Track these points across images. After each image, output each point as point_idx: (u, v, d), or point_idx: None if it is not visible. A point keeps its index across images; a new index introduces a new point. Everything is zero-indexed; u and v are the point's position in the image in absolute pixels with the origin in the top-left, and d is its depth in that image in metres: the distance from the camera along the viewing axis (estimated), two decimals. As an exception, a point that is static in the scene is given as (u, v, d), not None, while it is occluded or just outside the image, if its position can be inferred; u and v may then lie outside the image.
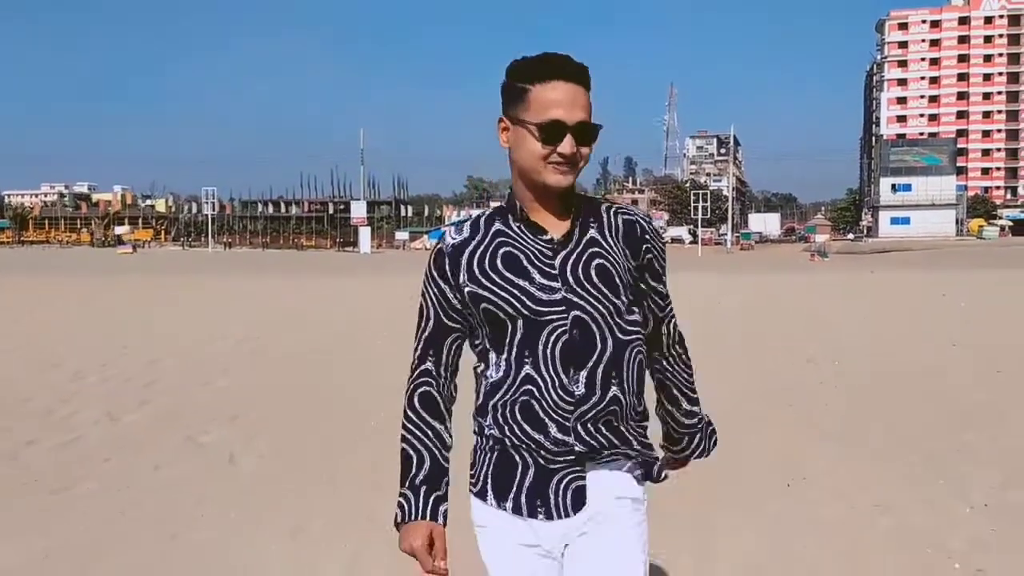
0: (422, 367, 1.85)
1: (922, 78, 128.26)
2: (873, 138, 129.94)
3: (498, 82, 1.80)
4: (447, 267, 1.80)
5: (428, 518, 1.76)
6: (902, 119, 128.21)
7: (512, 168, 1.80)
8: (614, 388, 1.77)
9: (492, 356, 1.81)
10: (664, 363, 1.98)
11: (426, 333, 1.85)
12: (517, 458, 1.77)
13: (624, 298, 1.80)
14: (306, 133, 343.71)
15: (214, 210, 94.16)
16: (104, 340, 12.24)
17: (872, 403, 7.45)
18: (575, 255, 1.78)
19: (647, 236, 1.87)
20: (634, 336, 1.82)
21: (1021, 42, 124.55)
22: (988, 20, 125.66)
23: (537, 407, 1.75)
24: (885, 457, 5.67)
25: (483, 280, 1.76)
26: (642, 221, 1.87)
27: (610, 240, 1.82)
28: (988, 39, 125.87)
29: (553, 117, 1.69)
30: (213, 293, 23.95)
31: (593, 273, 1.77)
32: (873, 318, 15.18)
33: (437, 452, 1.82)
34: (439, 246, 1.83)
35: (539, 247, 1.78)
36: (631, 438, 1.81)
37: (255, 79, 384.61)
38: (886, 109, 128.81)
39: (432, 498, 1.78)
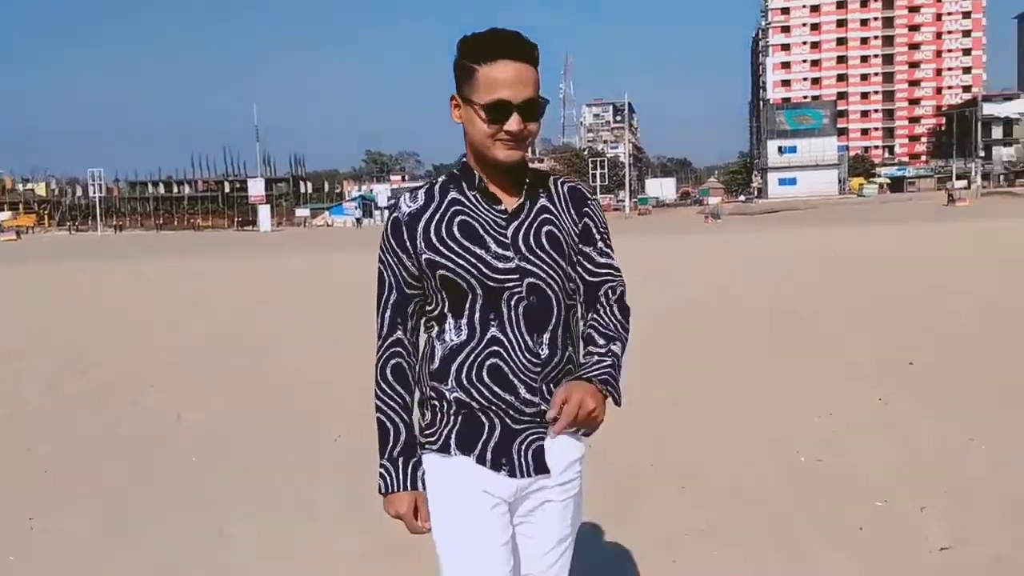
0: (393, 336, 1.88)
1: (804, 43, 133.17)
2: (760, 102, 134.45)
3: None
4: (404, 235, 1.84)
5: (411, 487, 1.85)
6: (787, 83, 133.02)
7: (465, 141, 1.86)
8: (569, 349, 1.88)
9: (451, 320, 1.84)
10: (596, 318, 1.93)
11: (390, 302, 1.88)
12: (484, 419, 1.82)
13: (569, 265, 1.88)
14: (195, 110, 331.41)
15: (101, 192, 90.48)
16: None
17: (742, 328, 8.37)
18: (527, 224, 1.84)
19: (588, 202, 1.94)
20: (576, 298, 1.92)
21: (894, 6, 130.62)
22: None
23: (506, 369, 1.80)
24: (740, 368, 6.54)
25: (440, 248, 1.81)
26: (585, 189, 1.97)
27: (559, 208, 1.89)
28: (864, 3, 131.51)
29: (499, 97, 1.75)
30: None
31: (544, 240, 1.83)
32: (751, 270, 16.38)
33: (410, 422, 1.88)
34: (395, 215, 1.87)
35: (493, 216, 1.84)
36: None
37: (137, 53, 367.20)
38: (771, 74, 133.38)
39: (411, 467, 1.86)
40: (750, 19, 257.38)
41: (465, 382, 1.81)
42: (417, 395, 1.91)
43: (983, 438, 5.01)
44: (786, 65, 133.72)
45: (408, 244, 1.83)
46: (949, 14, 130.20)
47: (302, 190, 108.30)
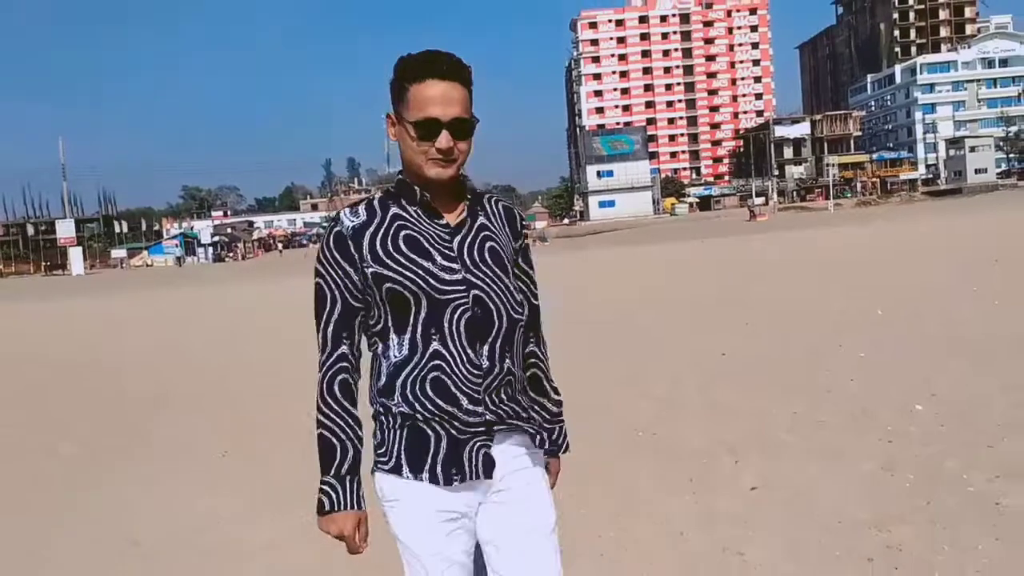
0: (338, 351, 1.87)
1: (613, 72, 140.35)
2: (577, 129, 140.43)
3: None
4: (350, 248, 1.84)
5: (356, 508, 1.84)
6: (600, 110, 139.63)
7: (401, 159, 1.90)
8: (508, 361, 1.89)
9: (393, 337, 1.85)
10: (539, 353, 2.08)
11: (335, 316, 1.86)
12: (429, 431, 1.83)
13: (512, 278, 1.93)
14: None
15: None
16: None
17: (570, 334, 9.39)
18: (470, 238, 1.88)
19: (523, 223, 2.04)
20: (522, 313, 1.95)
21: (692, 38, 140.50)
22: (663, 19, 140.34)
23: (448, 381, 1.81)
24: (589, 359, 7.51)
25: (387, 260, 1.82)
26: (518, 210, 2.04)
27: (497, 225, 1.94)
28: (665, 36, 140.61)
29: (428, 115, 1.79)
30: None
31: (487, 255, 1.87)
32: (578, 283, 17.74)
33: (356, 439, 1.87)
34: (337, 228, 1.86)
35: (437, 231, 1.86)
36: (525, 407, 1.96)
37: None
38: (585, 102, 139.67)
39: (356, 487, 1.85)
40: (563, 49, 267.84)
41: (409, 396, 1.83)
42: (358, 418, 1.90)
43: (783, 407, 6.16)
44: (598, 93, 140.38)
45: (355, 257, 1.84)
46: (740, 44, 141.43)
47: (116, 230, 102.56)
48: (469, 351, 1.83)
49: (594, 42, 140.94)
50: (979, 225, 28.46)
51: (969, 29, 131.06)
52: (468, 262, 1.85)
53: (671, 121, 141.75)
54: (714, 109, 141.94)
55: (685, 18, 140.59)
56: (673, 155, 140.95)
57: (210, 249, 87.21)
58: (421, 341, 1.82)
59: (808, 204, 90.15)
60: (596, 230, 76.99)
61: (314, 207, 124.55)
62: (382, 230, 1.85)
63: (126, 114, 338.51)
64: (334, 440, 1.85)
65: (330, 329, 1.87)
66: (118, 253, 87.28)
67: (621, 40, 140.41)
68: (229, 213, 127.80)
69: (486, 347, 1.85)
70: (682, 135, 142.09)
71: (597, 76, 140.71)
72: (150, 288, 37.27)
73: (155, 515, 4.91)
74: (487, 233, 1.92)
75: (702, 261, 24.20)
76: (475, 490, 1.89)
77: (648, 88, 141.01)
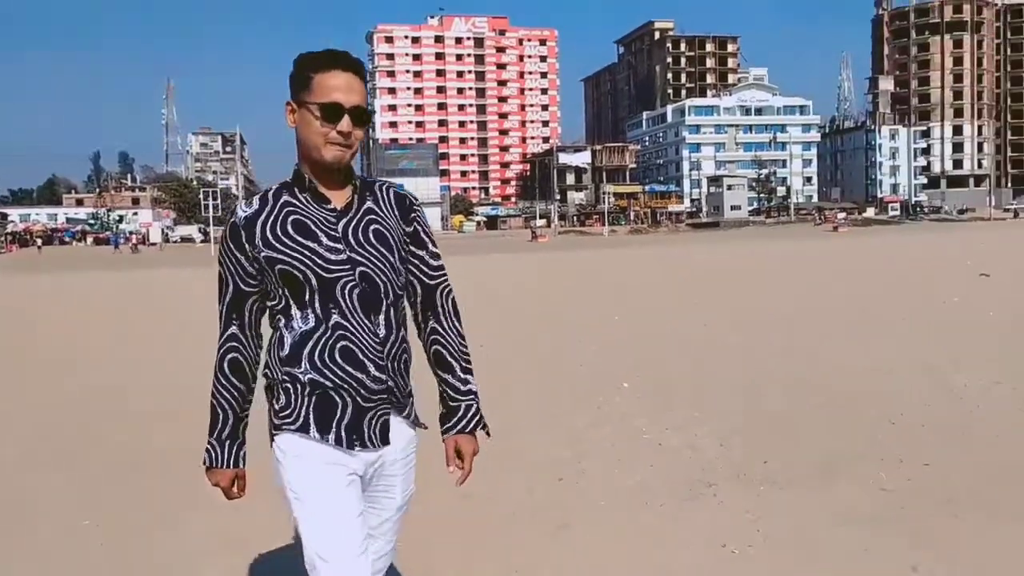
0: (228, 331, 2.07)
1: (408, 88, 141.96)
2: (370, 141, 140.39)
3: None
4: (242, 237, 2.00)
5: (232, 465, 2.10)
6: (393, 124, 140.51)
7: (297, 147, 2.04)
8: (401, 331, 2.09)
9: (295, 311, 2.00)
10: (440, 329, 2.17)
11: (227, 299, 2.06)
12: (336, 398, 1.99)
13: (396, 257, 2.06)
14: None
15: None
16: None
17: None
18: (355, 221, 2.02)
19: (415, 208, 2.14)
20: (403, 290, 2.11)
21: (485, 63, 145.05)
22: (458, 40, 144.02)
23: (356, 350, 1.99)
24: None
25: (276, 244, 1.97)
26: (410, 196, 2.16)
27: (385, 210, 2.07)
28: (459, 57, 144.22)
29: (333, 99, 1.95)
30: None
31: (372, 236, 2.02)
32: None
33: (240, 409, 2.10)
34: (232, 220, 2.03)
35: (324, 215, 2.01)
36: (408, 383, 2.13)
37: None
38: (379, 115, 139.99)
39: (235, 448, 2.10)
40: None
41: (319, 363, 1.98)
42: (264, 382, 2.10)
43: (523, 384, 7.33)
44: (392, 108, 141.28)
45: (246, 246, 2.01)
46: (530, 73, 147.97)
47: None
48: (367, 322, 2.00)
49: (389, 56, 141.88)
50: (714, 253, 32.12)
51: (732, 78, 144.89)
52: (352, 242, 2.01)
53: (463, 140, 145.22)
54: (504, 132, 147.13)
55: (479, 42, 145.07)
56: (463, 174, 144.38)
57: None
58: (322, 314, 1.99)
59: (586, 228, 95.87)
60: (384, 242, 77.26)
61: (79, 202, 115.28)
62: (272, 217, 2.01)
63: None
64: (219, 409, 2.09)
65: (224, 311, 2.08)
66: None
67: (417, 57, 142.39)
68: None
69: (381, 317, 2.02)
70: (472, 155, 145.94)
71: (391, 90, 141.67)
72: None
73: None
74: (373, 216, 2.06)
75: (487, 273, 25.73)
76: (369, 461, 2.07)
77: (442, 107, 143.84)
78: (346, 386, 1.99)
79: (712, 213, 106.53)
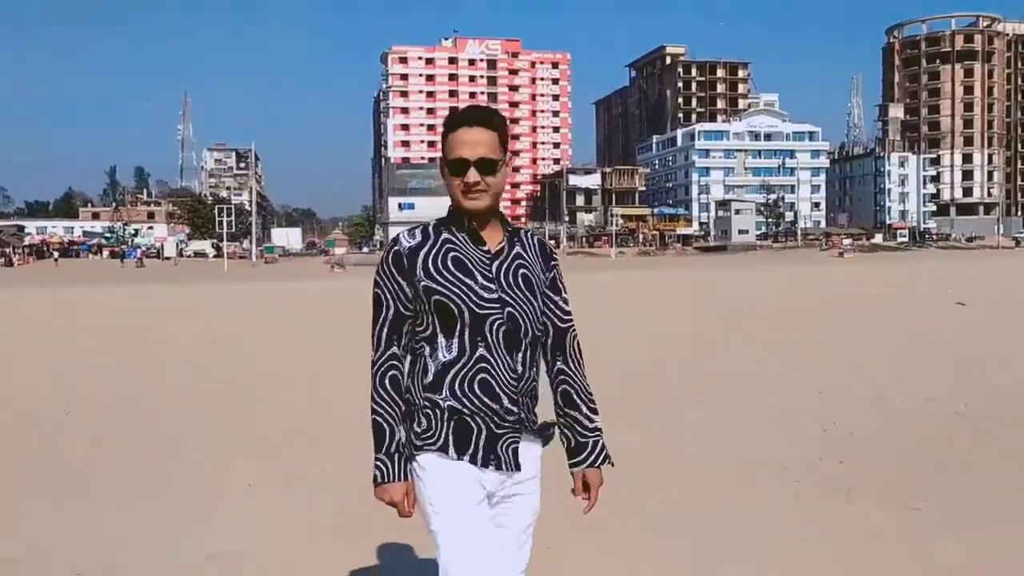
0: (389, 351, 2.18)
1: (421, 108, 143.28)
2: (383, 160, 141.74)
3: None
4: (404, 264, 2.16)
5: (403, 479, 2.16)
6: (406, 144, 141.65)
7: (449, 194, 2.21)
8: (533, 370, 2.23)
9: (442, 339, 2.14)
10: (568, 371, 2.31)
11: (388, 321, 2.18)
12: (472, 424, 2.13)
13: (539, 301, 2.22)
14: None
15: None
16: None
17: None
18: (506, 264, 2.18)
19: (553, 255, 2.30)
20: (541, 332, 2.27)
21: (497, 83, 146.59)
22: (471, 62, 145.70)
23: (493, 383, 2.13)
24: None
25: (437, 276, 2.12)
26: (550, 245, 2.33)
27: (531, 255, 2.23)
28: (472, 78, 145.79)
29: (458, 155, 2.14)
30: None
31: (520, 279, 2.18)
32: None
33: (402, 424, 2.17)
34: (396, 248, 2.18)
35: (479, 255, 2.16)
36: (536, 417, 2.25)
37: None
38: (392, 134, 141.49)
39: (404, 462, 2.16)
40: (373, 80, 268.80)
41: (459, 392, 2.13)
42: (404, 408, 2.19)
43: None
44: (405, 127, 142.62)
45: (408, 272, 2.16)
46: (542, 95, 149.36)
47: None
48: (508, 358, 2.15)
49: (404, 76, 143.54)
50: (719, 277, 32.79)
51: (742, 103, 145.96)
52: (503, 283, 2.17)
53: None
54: (515, 153, 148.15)
55: (492, 64, 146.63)
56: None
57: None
58: (469, 346, 2.14)
59: (595, 250, 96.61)
60: (394, 260, 78.14)
61: (95, 215, 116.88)
62: (434, 251, 2.16)
63: None
64: (384, 424, 2.17)
65: (383, 331, 2.19)
66: None
67: (430, 78, 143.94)
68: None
69: (520, 355, 2.18)
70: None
71: (405, 110, 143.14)
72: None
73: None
74: (521, 261, 2.22)
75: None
76: (502, 480, 2.20)
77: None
78: (481, 414, 2.14)
79: (720, 237, 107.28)
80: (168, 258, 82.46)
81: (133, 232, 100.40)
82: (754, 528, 4.38)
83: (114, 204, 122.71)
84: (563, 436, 2.33)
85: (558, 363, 2.30)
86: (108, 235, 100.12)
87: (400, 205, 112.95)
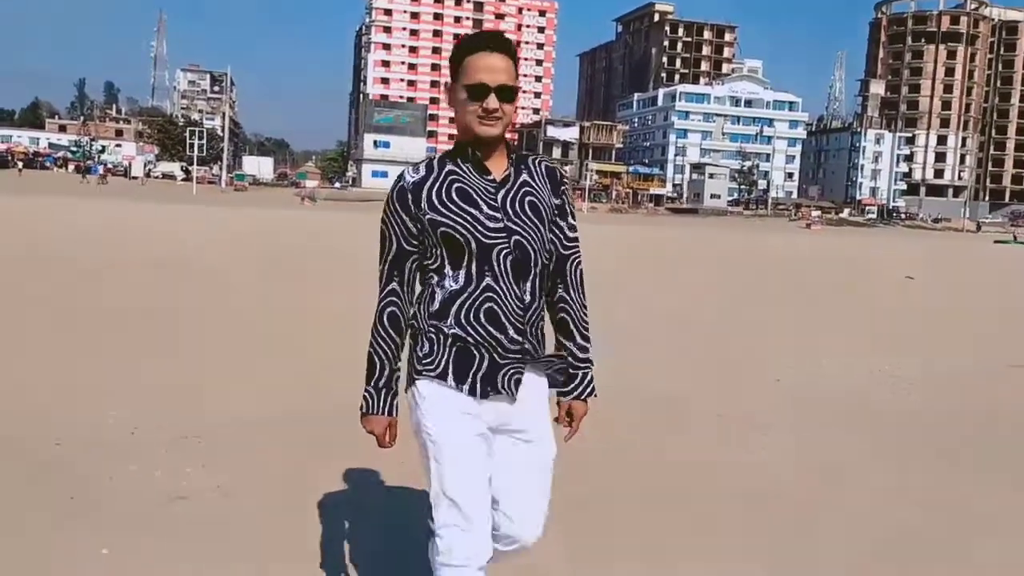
0: (389, 287, 2.20)
1: (403, 45, 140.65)
2: (361, 96, 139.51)
3: None
4: (409, 200, 2.14)
5: (387, 413, 2.21)
6: (386, 81, 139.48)
7: (456, 123, 2.19)
8: (541, 299, 2.23)
9: (449, 270, 2.15)
10: (567, 298, 2.32)
11: (390, 257, 2.19)
12: (475, 353, 2.14)
13: (547, 228, 2.21)
14: None
15: None
16: None
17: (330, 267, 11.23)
18: (512, 192, 2.16)
19: (564, 180, 2.28)
20: (549, 259, 2.26)
21: (483, 26, 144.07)
22: (458, 2, 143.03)
23: (500, 312, 2.13)
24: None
25: (441, 209, 2.12)
26: (559, 169, 2.28)
27: (538, 182, 2.21)
28: (457, 19, 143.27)
29: (479, 80, 2.10)
30: None
31: (527, 207, 2.16)
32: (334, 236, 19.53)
33: (394, 360, 2.20)
34: (400, 184, 2.16)
35: (484, 184, 2.15)
36: (542, 345, 2.25)
37: None
38: (372, 70, 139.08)
39: (390, 397, 2.21)
40: (356, 12, 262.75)
41: (464, 321, 2.14)
42: (410, 330, 2.23)
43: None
44: (386, 64, 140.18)
45: (412, 208, 2.15)
46: (527, 43, 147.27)
47: None
48: (515, 287, 2.15)
49: (387, 11, 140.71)
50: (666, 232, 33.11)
51: (726, 68, 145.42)
52: (510, 212, 2.15)
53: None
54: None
55: (479, 6, 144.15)
56: (451, 137, 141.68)
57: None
58: (476, 275, 2.14)
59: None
60: (366, 198, 77.71)
61: (62, 128, 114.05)
62: (438, 183, 2.15)
63: None
64: (376, 359, 2.22)
65: (386, 267, 2.21)
66: None
67: (415, 15, 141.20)
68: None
69: (528, 284, 2.18)
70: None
71: (387, 46, 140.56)
72: None
73: None
74: (528, 188, 2.20)
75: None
76: (501, 411, 2.21)
77: (435, 68, 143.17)
78: (485, 343, 2.15)
79: (692, 200, 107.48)
80: (135, 177, 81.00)
81: (100, 148, 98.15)
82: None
83: (82, 118, 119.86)
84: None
85: (559, 290, 2.31)
86: (74, 149, 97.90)
87: (375, 143, 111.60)
